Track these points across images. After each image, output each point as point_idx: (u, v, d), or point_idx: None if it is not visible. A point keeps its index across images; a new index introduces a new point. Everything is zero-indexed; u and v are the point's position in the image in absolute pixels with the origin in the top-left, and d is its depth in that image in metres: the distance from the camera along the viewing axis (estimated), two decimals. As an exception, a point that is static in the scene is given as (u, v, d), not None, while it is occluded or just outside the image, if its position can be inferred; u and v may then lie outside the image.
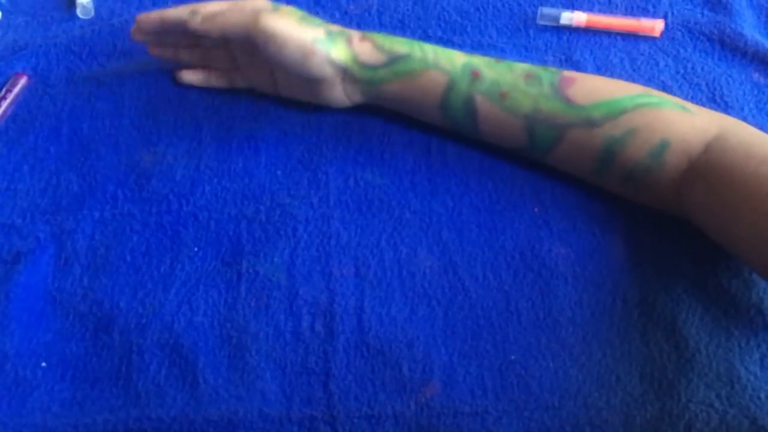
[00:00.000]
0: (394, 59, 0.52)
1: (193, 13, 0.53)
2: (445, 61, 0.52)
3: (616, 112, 0.48)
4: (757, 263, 0.44)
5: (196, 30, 0.53)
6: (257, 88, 0.59)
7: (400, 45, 0.52)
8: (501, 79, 0.51)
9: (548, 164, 0.53)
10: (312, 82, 0.53)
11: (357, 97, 0.55)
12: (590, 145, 0.49)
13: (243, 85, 0.59)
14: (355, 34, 0.53)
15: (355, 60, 0.52)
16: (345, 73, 0.53)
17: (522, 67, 0.51)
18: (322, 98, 0.55)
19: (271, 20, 0.50)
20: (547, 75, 0.50)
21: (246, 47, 0.54)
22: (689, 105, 0.50)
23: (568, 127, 0.49)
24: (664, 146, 0.47)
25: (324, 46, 0.51)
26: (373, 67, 0.52)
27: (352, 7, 0.66)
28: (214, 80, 0.59)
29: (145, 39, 0.58)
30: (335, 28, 0.53)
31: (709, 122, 0.48)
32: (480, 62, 0.52)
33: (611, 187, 0.52)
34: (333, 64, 0.52)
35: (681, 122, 0.48)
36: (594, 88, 0.50)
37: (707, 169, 0.46)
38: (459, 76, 0.51)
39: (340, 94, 0.55)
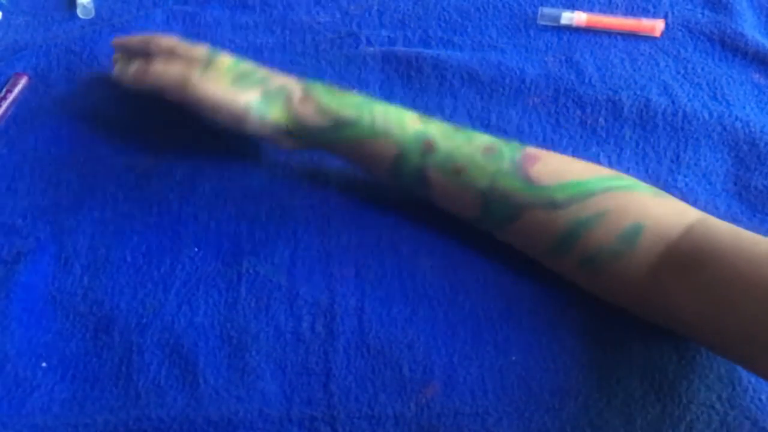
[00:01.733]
0: (339, 125, 0.49)
1: (125, 64, 0.54)
2: (395, 128, 0.48)
3: (582, 194, 0.45)
4: (751, 359, 0.40)
5: (126, 84, 0.54)
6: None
7: (347, 108, 0.49)
8: (457, 152, 0.47)
9: (497, 238, 0.50)
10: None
11: (298, 147, 0.53)
12: (551, 227, 0.46)
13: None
14: (296, 91, 0.50)
15: (296, 122, 0.50)
16: (285, 132, 0.51)
17: (483, 139, 0.48)
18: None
19: (200, 87, 0.49)
20: (508, 150, 0.47)
21: None
22: (665, 193, 0.47)
23: (527, 207, 0.46)
24: (637, 230, 0.44)
25: (258, 111, 0.49)
26: (316, 130, 0.49)
27: (352, 7, 0.66)
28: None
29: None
30: (276, 83, 0.50)
31: (687, 208, 0.46)
32: (436, 131, 0.48)
33: (564, 270, 0.49)
34: (270, 125, 0.50)
35: (656, 206, 0.45)
36: (559, 169, 0.47)
37: (692, 250, 0.42)
38: (410, 146, 0.48)
39: (283, 145, 0.53)
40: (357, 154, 0.50)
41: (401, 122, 0.48)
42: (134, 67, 0.53)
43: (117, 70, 0.55)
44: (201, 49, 0.52)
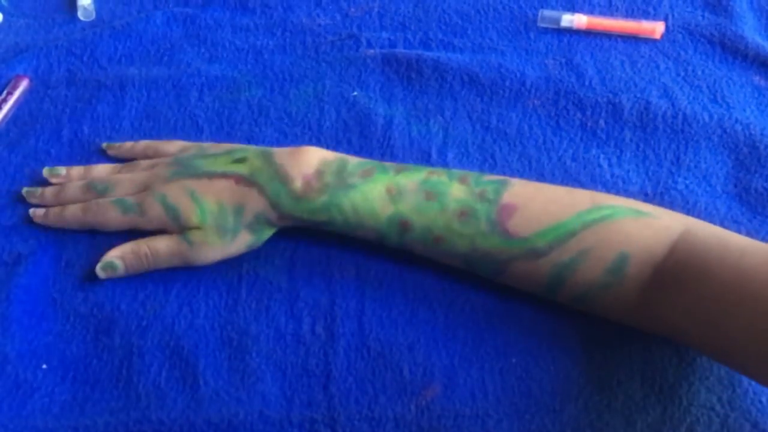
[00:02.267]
0: (318, 224, 0.49)
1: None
2: (368, 220, 0.48)
3: (562, 237, 0.44)
4: (754, 366, 0.40)
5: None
6: None
7: (316, 214, 0.48)
8: (433, 225, 0.47)
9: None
10: None
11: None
12: (536, 275, 0.46)
13: None
14: (270, 213, 0.49)
15: (283, 228, 0.51)
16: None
17: (456, 201, 0.47)
18: None
19: (200, 259, 0.50)
20: (483, 208, 0.46)
21: None
22: (647, 207, 0.46)
23: (510, 261, 0.46)
24: (623, 259, 0.43)
25: (256, 243, 0.51)
26: (301, 227, 0.50)
27: (353, 9, 0.66)
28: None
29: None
30: (249, 215, 0.49)
31: (670, 221, 0.45)
32: (407, 208, 0.47)
33: (560, 303, 0.48)
34: (254, 240, 0.50)
35: (639, 231, 0.44)
36: (536, 215, 0.45)
37: (679, 269, 0.42)
38: (387, 231, 0.48)
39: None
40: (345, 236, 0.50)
41: (372, 212, 0.48)
42: (122, 267, 0.50)
43: (103, 274, 0.51)
44: (154, 209, 0.50)
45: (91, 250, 0.53)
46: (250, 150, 0.52)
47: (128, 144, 0.58)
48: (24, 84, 0.61)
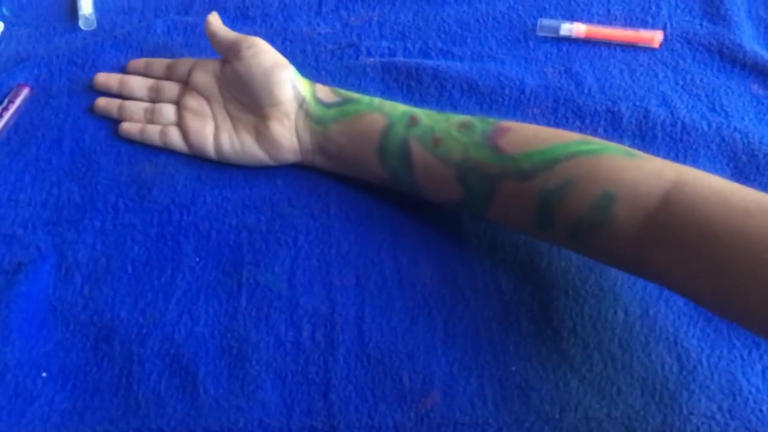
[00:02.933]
0: (345, 101, 0.54)
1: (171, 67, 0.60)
2: (388, 107, 0.53)
3: (547, 162, 0.45)
4: (746, 317, 0.40)
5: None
6: (193, 145, 0.57)
7: (353, 94, 0.55)
8: (436, 126, 0.51)
9: (490, 220, 0.51)
10: (267, 108, 0.54)
11: (305, 137, 0.54)
12: (525, 199, 0.46)
13: (177, 145, 0.58)
14: (317, 84, 0.56)
15: (313, 95, 0.55)
16: (301, 104, 0.54)
17: (460, 117, 0.51)
18: (268, 136, 0.54)
19: (256, 38, 0.55)
20: (481, 125, 0.49)
21: (213, 72, 0.58)
22: (638, 152, 0.45)
23: (499, 178, 0.47)
24: (609, 198, 0.43)
25: (293, 71, 0.55)
26: (326, 105, 0.54)
27: (352, 18, 0.66)
28: (150, 136, 0.58)
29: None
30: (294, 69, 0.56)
31: (662, 167, 0.44)
32: (421, 111, 0.53)
33: (561, 244, 0.49)
34: (295, 89, 0.54)
35: (626, 170, 0.43)
36: (525, 138, 0.47)
37: (676, 226, 0.41)
38: (397, 120, 0.52)
39: (288, 132, 0.54)
40: (351, 131, 0.53)
41: (393, 105, 0.54)
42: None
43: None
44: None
45: (92, 259, 0.53)
46: None
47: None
48: (25, 93, 0.61)
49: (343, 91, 0.55)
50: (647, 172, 0.43)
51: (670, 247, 0.41)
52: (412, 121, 0.51)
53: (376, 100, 0.54)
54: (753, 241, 0.38)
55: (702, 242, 0.40)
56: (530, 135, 0.48)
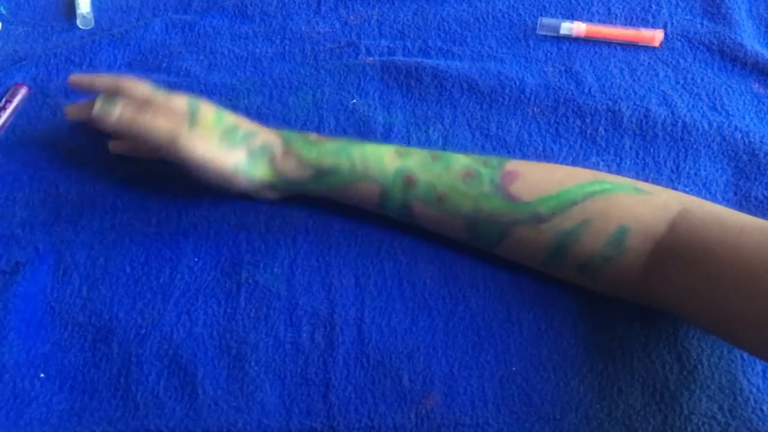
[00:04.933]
0: (321, 174, 0.50)
1: (109, 103, 0.49)
2: (375, 169, 0.49)
3: (564, 204, 0.46)
4: (754, 341, 0.40)
5: (108, 129, 0.50)
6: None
7: (326, 158, 0.50)
8: (437, 182, 0.48)
9: (495, 255, 0.51)
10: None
11: (286, 199, 0.54)
12: (539, 241, 0.47)
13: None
14: (277, 147, 0.51)
15: (280, 177, 0.51)
16: (269, 186, 0.52)
17: (461, 163, 0.49)
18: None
19: (189, 146, 0.48)
20: (487, 171, 0.48)
21: None
22: (645, 186, 0.47)
23: (513, 225, 0.47)
24: (623, 232, 0.45)
25: (246, 171, 0.50)
26: (300, 182, 0.51)
27: (352, 17, 0.66)
28: (144, 153, 0.56)
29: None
30: (258, 141, 0.51)
31: (667, 200, 0.46)
32: (415, 164, 0.49)
33: (565, 277, 0.49)
34: (257, 183, 0.51)
35: (638, 206, 0.45)
36: (539, 182, 0.47)
37: (680, 248, 0.43)
38: (391, 185, 0.49)
39: (267, 197, 0.53)
40: (342, 197, 0.52)
41: (380, 162, 0.49)
42: (119, 111, 0.49)
43: (98, 109, 0.50)
44: (181, 101, 0.50)
45: (90, 259, 0.53)
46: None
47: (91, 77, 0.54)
48: (23, 92, 0.61)
49: (314, 157, 0.50)
50: (655, 205, 0.46)
51: (675, 269, 0.43)
52: (408, 181, 0.48)
53: (357, 161, 0.49)
54: (745, 255, 0.39)
55: (700, 261, 0.42)
56: (542, 179, 0.47)
